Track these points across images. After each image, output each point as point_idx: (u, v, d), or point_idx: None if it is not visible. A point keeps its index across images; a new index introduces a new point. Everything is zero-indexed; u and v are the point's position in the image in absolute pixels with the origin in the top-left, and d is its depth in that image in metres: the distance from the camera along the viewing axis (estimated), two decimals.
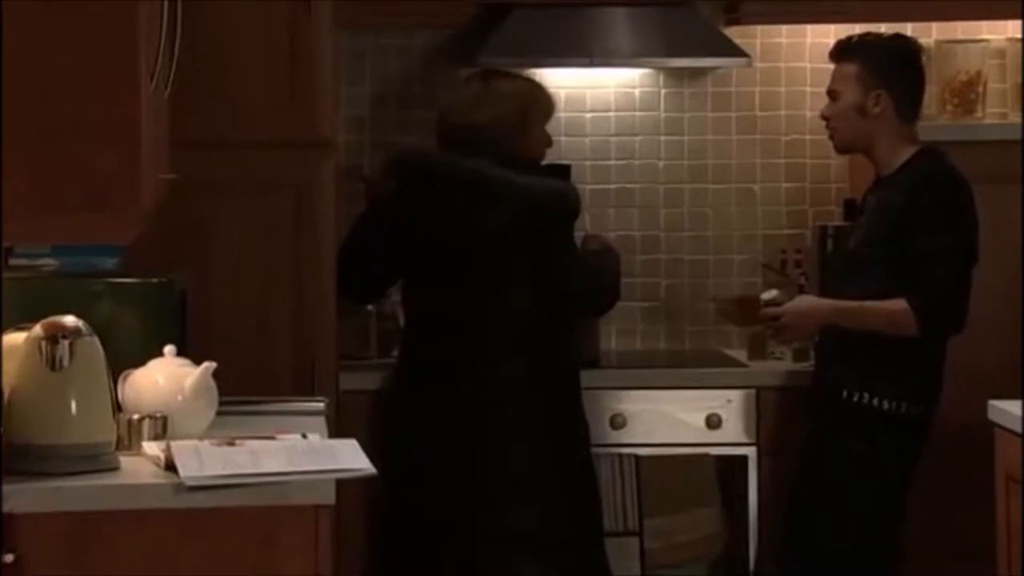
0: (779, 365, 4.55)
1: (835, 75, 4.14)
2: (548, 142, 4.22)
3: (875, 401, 3.99)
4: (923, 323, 3.95)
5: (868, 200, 4.16)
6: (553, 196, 4.04)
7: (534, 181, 4.04)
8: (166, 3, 3.02)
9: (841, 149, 4.24)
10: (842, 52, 4.12)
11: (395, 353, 4.35)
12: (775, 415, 4.45)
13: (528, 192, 4.00)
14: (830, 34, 4.80)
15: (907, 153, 4.07)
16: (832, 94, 4.14)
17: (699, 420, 4.46)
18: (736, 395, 4.47)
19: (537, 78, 4.38)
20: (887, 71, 4.07)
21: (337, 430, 3.95)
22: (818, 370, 4.20)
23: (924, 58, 4.19)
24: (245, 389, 3.48)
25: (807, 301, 4.18)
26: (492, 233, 3.97)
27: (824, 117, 4.15)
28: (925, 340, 3.98)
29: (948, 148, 4.19)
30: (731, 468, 4.44)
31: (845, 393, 4.01)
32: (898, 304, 3.96)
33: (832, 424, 4.05)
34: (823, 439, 4.06)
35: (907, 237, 3.95)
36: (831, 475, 4.01)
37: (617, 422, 4.44)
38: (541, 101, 4.18)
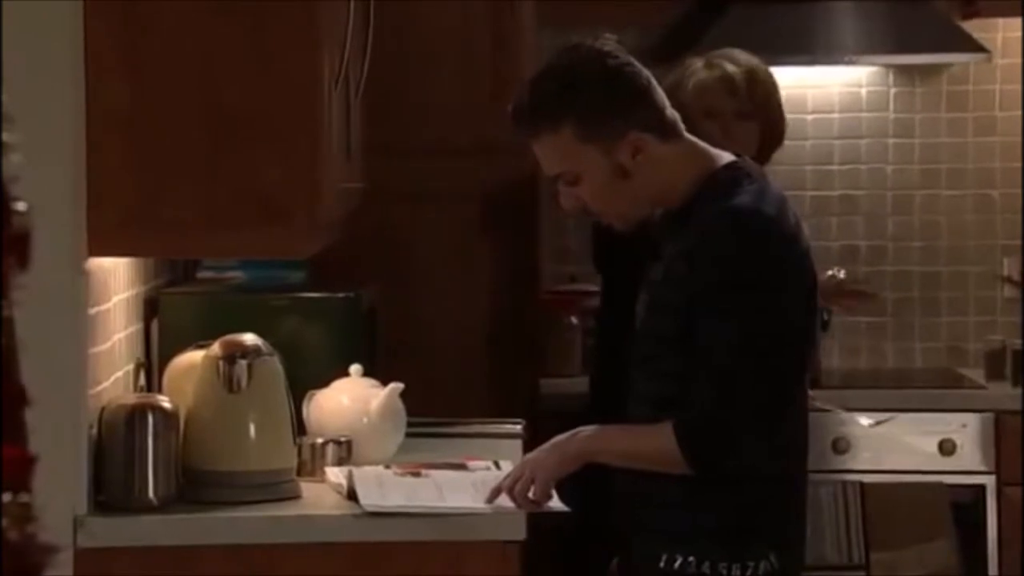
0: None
1: (553, 153, 2.58)
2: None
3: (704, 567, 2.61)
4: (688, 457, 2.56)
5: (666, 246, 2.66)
6: None
7: None
8: (354, 1, 2.85)
9: (630, 225, 2.68)
10: (531, 118, 2.57)
11: None
12: (1017, 441, 4.20)
13: None
14: None
15: (693, 178, 2.61)
16: (568, 179, 2.59)
17: (931, 446, 4.22)
18: (972, 419, 4.22)
19: None
20: (611, 99, 2.57)
21: None
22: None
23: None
24: (439, 410, 3.35)
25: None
26: None
27: (588, 212, 2.65)
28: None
29: None
30: (967, 499, 4.22)
31: (663, 560, 2.62)
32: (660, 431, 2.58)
33: None
34: None
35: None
36: None
37: (840, 446, 4.23)
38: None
